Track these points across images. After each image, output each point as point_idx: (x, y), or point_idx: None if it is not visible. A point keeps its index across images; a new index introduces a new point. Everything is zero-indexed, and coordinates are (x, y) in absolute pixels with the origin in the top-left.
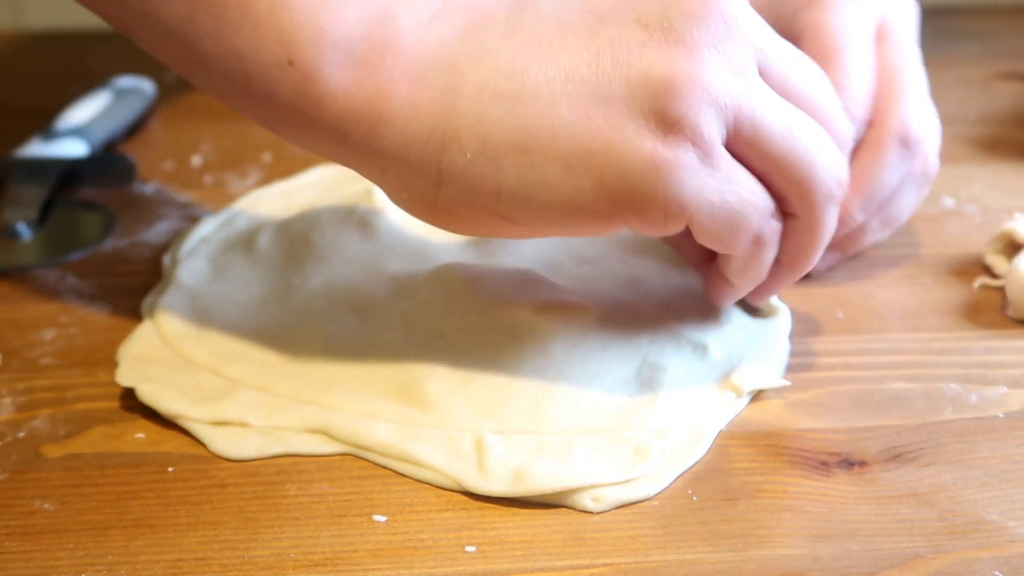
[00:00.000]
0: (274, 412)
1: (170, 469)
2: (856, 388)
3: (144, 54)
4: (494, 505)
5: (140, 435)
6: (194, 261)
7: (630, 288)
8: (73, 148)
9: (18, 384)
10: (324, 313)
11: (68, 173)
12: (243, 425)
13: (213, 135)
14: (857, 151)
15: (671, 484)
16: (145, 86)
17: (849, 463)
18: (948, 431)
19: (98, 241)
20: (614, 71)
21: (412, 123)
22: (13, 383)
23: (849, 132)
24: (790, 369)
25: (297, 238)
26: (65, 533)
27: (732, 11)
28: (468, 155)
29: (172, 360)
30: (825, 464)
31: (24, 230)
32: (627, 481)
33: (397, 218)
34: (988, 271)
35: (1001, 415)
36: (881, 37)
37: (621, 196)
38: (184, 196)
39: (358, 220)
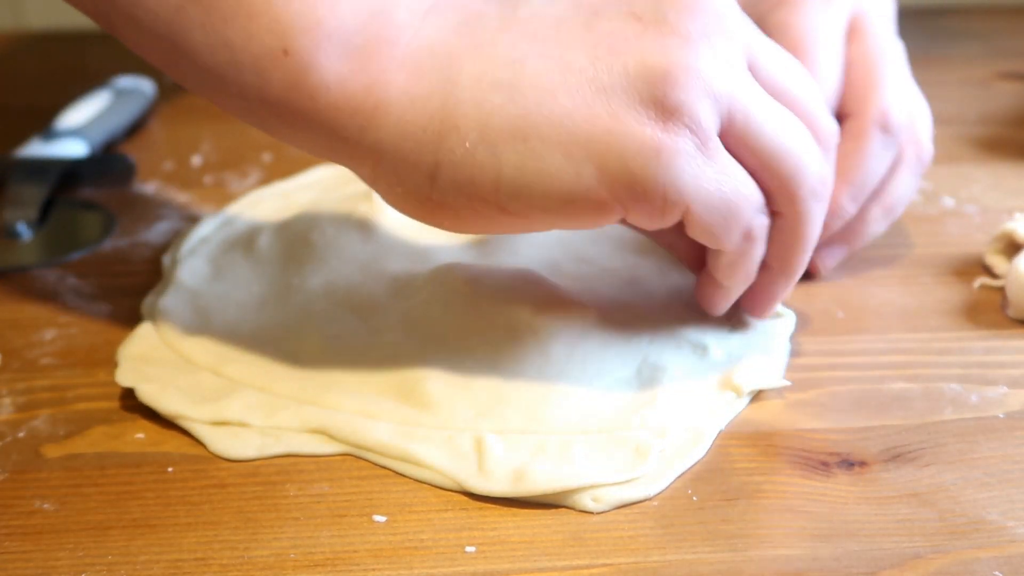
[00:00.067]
0: (274, 412)
1: (170, 469)
2: (856, 388)
3: None
4: (494, 505)
5: (140, 435)
6: (194, 261)
7: (630, 288)
8: (73, 148)
9: (18, 384)
10: (324, 313)
11: (68, 173)
12: (243, 425)
13: (213, 135)
14: (840, 143)
15: (671, 484)
16: (145, 86)
17: (849, 463)
18: (948, 431)
19: (98, 241)
20: (612, 61)
21: (409, 113)
22: (13, 383)
23: (834, 131)
24: (790, 369)
25: (297, 238)
26: (65, 533)
27: (722, 7)
28: (467, 143)
29: (172, 360)
30: (825, 464)
31: (24, 230)
32: (627, 481)
33: (397, 218)
34: (988, 271)
35: (1001, 415)
36: (855, 32)
37: (622, 182)
38: (184, 196)
39: (358, 220)
